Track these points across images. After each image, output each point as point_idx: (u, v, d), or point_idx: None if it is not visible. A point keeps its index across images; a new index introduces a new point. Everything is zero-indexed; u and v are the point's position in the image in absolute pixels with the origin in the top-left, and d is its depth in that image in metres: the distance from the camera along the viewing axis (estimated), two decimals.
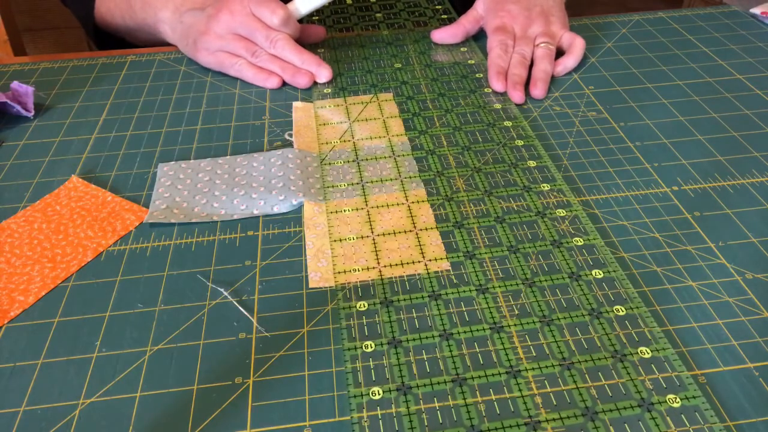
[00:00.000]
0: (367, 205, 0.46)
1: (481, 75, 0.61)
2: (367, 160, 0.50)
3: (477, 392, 0.34)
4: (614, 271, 0.40)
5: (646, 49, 0.66)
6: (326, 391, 0.34)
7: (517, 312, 0.38)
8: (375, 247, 0.42)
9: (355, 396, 0.34)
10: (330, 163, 0.50)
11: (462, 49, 0.66)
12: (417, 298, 0.39)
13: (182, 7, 0.65)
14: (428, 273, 0.40)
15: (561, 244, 0.42)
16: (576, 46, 0.62)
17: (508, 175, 0.48)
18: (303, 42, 0.65)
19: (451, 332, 0.37)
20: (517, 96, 0.57)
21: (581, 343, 0.36)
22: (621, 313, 0.37)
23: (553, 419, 0.32)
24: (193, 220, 0.45)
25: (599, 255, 0.41)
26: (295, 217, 0.46)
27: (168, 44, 0.69)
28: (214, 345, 0.37)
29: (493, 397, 0.33)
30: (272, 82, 0.60)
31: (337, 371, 0.35)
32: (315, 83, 0.61)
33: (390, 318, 0.38)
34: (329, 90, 0.60)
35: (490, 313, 0.38)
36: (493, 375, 0.34)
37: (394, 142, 0.52)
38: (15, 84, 0.58)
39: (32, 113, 0.57)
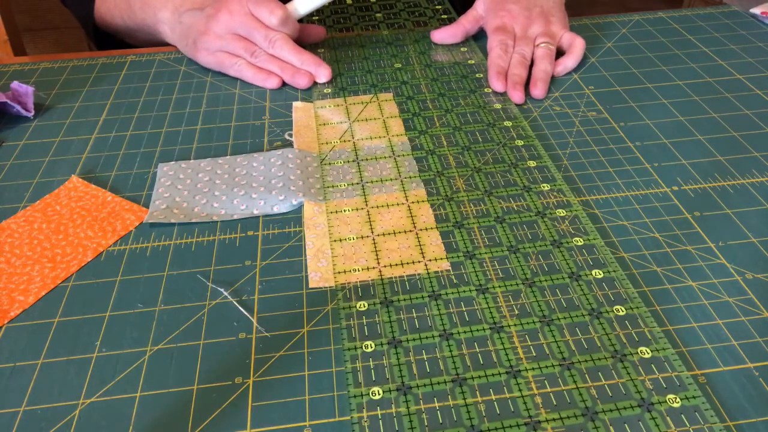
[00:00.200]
0: (367, 205, 0.46)
1: (481, 75, 0.61)
2: (367, 160, 0.50)
3: (477, 392, 0.34)
4: (614, 271, 0.40)
5: (646, 49, 0.66)
6: (326, 391, 0.34)
7: (517, 312, 0.38)
8: (375, 247, 0.42)
9: (355, 396, 0.34)
10: (330, 163, 0.50)
11: (462, 49, 0.66)
12: (417, 298, 0.39)
13: (181, 8, 0.65)
14: (428, 273, 0.40)
15: (561, 244, 0.42)
16: (576, 47, 0.62)
17: (508, 175, 0.48)
18: (303, 42, 0.65)
19: (451, 332, 0.37)
20: (517, 96, 0.57)
21: (581, 343, 0.36)
22: (621, 313, 0.37)
23: (553, 419, 0.32)
24: (193, 220, 0.45)
25: (599, 255, 0.41)
26: (295, 217, 0.46)
27: (168, 44, 0.69)
28: (214, 345, 0.37)
29: (493, 397, 0.33)
30: (272, 83, 0.60)
31: (337, 371, 0.35)
32: (315, 83, 0.61)
33: (390, 318, 0.38)
34: (329, 90, 0.60)
35: (490, 313, 0.38)
36: (493, 375, 0.34)
37: (394, 142, 0.52)
38: (15, 84, 0.58)
39: (32, 113, 0.57)
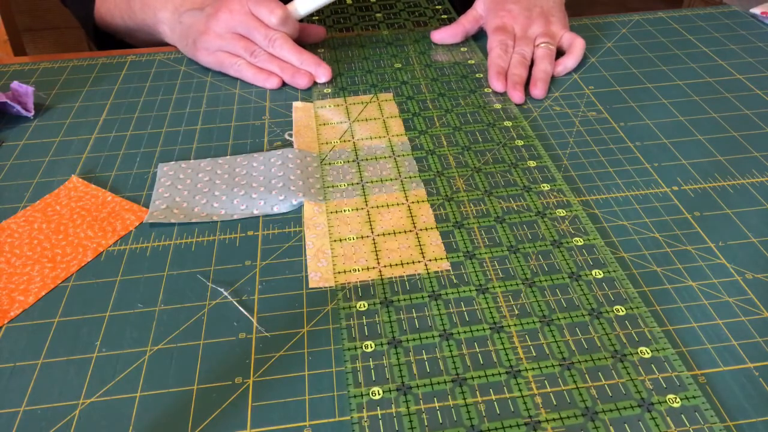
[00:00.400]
0: (367, 205, 0.46)
1: (481, 75, 0.61)
2: (367, 160, 0.50)
3: (477, 392, 0.34)
4: (614, 271, 0.40)
5: (646, 49, 0.66)
6: (326, 391, 0.34)
7: (517, 312, 0.38)
8: (375, 247, 0.42)
9: (355, 396, 0.34)
10: (330, 163, 0.50)
11: (462, 49, 0.66)
12: (417, 298, 0.39)
13: (181, 8, 0.65)
14: (428, 273, 0.40)
15: (561, 244, 0.42)
16: (576, 47, 0.62)
17: (508, 175, 0.48)
18: (303, 42, 0.65)
19: (451, 332, 0.37)
20: (517, 96, 0.57)
21: (581, 343, 0.36)
22: (621, 313, 0.37)
23: (553, 419, 0.32)
24: (193, 220, 0.45)
25: (599, 255, 0.41)
26: (295, 217, 0.46)
27: (168, 44, 0.69)
28: (214, 345, 0.37)
29: (493, 397, 0.33)
30: (272, 83, 0.60)
31: (337, 371, 0.35)
32: (315, 83, 0.61)
33: (390, 318, 0.38)
34: (329, 90, 0.60)
35: (490, 313, 0.38)
36: (493, 375, 0.34)
37: (394, 142, 0.52)
38: (15, 84, 0.58)
39: (32, 113, 0.57)
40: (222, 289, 0.40)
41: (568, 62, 0.62)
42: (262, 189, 0.47)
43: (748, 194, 0.47)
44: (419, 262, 0.41)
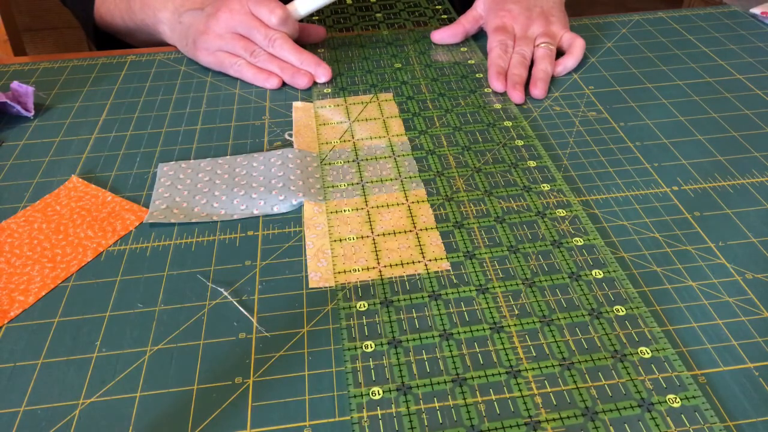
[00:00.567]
0: (367, 205, 0.46)
1: (481, 75, 0.61)
2: (367, 160, 0.50)
3: (477, 392, 0.34)
4: (614, 271, 0.40)
5: (646, 49, 0.66)
6: (326, 391, 0.34)
7: (517, 312, 0.38)
8: (375, 247, 0.42)
9: (355, 396, 0.34)
10: (330, 163, 0.50)
11: (462, 49, 0.66)
12: (417, 298, 0.39)
13: (181, 8, 0.65)
14: (428, 273, 0.40)
15: (561, 244, 0.42)
16: (576, 47, 0.62)
17: (508, 175, 0.48)
18: (303, 42, 0.65)
19: (451, 332, 0.37)
20: (517, 96, 0.57)
21: (581, 343, 0.36)
22: (621, 313, 0.37)
23: (553, 419, 0.32)
24: (193, 220, 0.45)
25: (599, 255, 0.41)
26: (295, 217, 0.46)
27: (168, 44, 0.69)
28: (214, 345, 0.37)
29: (493, 397, 0.33)
30: (272, 83, 0.60)
31: (337, 371, 0.35)
32: (315, 83, 0.61)
33: (390, 318, 0.38)
34: (329, 90, 0.60)
35: (490, 313, 0.38)
36: (493, 375, 0.34)
37: (394, 142, 0.52)
38: (15, 84, 0.58)
39: (32, 113, 0.57)
40: (222, 289, 0.40)
41: (568, 62, 0.62)
42: (262, 189, 0.47)
43: (748, 194, 0.47)
44: (419, 262, 0.41)
